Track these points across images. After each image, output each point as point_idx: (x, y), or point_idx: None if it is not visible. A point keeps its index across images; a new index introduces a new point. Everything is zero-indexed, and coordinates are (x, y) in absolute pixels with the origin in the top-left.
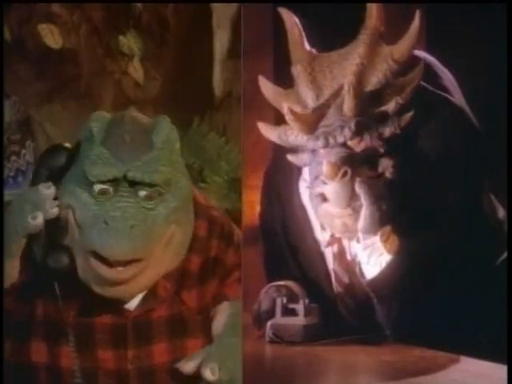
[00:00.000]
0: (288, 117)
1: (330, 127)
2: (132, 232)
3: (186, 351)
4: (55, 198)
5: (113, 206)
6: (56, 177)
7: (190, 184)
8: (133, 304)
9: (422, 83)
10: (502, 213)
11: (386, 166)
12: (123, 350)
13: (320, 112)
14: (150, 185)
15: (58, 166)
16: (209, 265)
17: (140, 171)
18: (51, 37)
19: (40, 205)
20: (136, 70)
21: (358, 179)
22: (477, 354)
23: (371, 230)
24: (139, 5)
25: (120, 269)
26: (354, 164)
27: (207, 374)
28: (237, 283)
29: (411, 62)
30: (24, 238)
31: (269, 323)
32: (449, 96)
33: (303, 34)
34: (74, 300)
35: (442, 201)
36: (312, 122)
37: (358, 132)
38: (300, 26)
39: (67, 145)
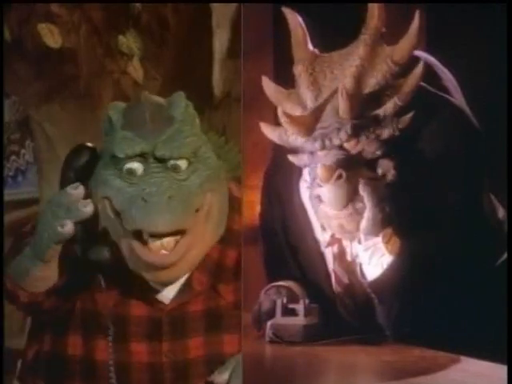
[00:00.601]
0: (283, 120)
1: (326, 129)
2: (171, 203)
3: (222, 346)
4: (86, 197)
5: (146, 183)
6: (82, 177)
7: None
8: (168, 296)
9: (422, 84)
10: (501, 213)
11: (386, 168)
12: (158, 342)
13: (316, 114)
14: (179, 158)
15: (82, 166)
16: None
17: (167, 147)
18: (51, 36)
19: (72, 206)
20: (135, 70)
21: (361, 181)
22: (477, 354)
23: (374, 231)
24: (139, 5)
25: (166, 253)
26: (351, 166)
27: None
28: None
29: (411, 63)
30: (56, 243)
31: (269, 323)
32: (449, 96)
33: (307, 33)
34: (111, 293)
35: (442, 201)
36: (308, 125)
37: (355, 134)
38: (304, 26)
39: (89, 144)
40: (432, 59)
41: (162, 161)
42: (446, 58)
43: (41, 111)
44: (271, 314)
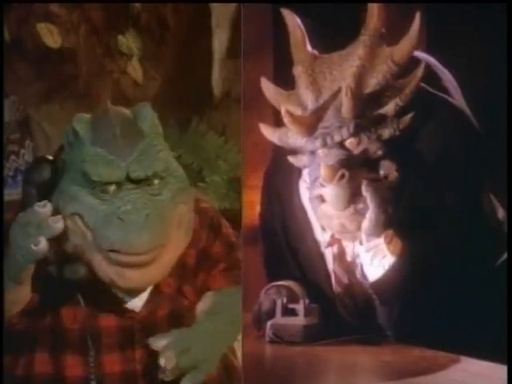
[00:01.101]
0: (286, 119)
1: (328, 129)
2: (148, 220)
3: None
4: (54, 213)
5: (121, 200)
6: (45, 192)
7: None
8: (138, 304)
9: (422, 84)
10: (501, 213)
11: (388, 169)
12: (131, 351)
13: (318, 114)
14: (152, 176)
15: (44, 181)
16: (199, 257)
17: (141, 167)
18: (50, 36)
19: (42, 224)
20: (135, 70)
21: (364, 182)
22: (477, 354)
23: (376, 232)
24: (138, 5)
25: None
26: (352, 166)
27: (162, 362)
28: (221, 274)
29: (411, 63)
30: (32, 264)
31: (269, 323)
32: (449, 97)
33: (305, 34)
34: (79, 309)
35: (442, 202)
36: (310, 124)
37: (356, 133)
38: (302, 27)
39: (49, 157)
40: (432, 60)
41: (136, 181)
42: (446, 58)
43: (40, 111)
44: (271, 313)
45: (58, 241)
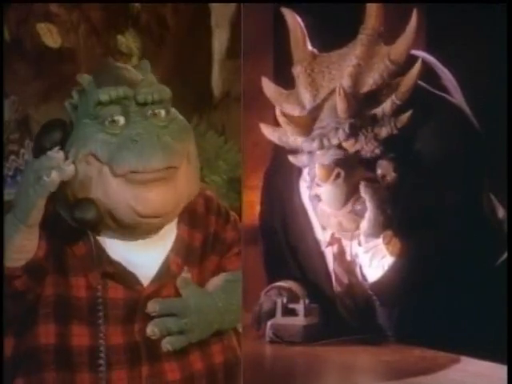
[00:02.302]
0: (281, 119)
1: (325, 129)
2: (160, 140)
3: None
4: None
5: (132, 128)
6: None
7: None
8: (147, 277)
9: (422, 83)
10: (501, 213)
11: (385, 169)
12: (132, 324)
13: (314, 114)
14: (159, 102)
15: (56, 140)
16: (209, 241)
17: (148, 92)
18: (50, 36)
19: (55, 167)
20: None
21: (362, 183)
22: (477, 354)
23: (375, 233)
24: (138, 4)
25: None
26: (349, 165)
27: (149, 331)
28: (235, 257)
29: (408, 62)
30: (43, 199)
31: (269, 323)
32: (448, 96)
33: (306, 34)
34: (86, 277)
35: (442, 202)
36: (306, 125)
37: (353, 133)
38: (302, 26)
39: (60, 118)
40: (432, 59)
41: (143, 105)
42: (446, 57)
43: (40, 111)
44: (271, 315)
45: (69, 186)
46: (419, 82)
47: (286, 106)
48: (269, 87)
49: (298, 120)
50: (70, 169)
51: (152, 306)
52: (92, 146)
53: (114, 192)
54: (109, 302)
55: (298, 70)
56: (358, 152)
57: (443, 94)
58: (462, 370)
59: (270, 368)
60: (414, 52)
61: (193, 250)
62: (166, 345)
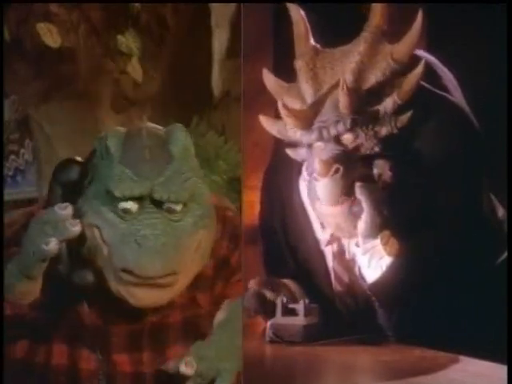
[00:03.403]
0: (282, 112)
1: (325, 123)
2: (164, 248)
3: None
4: (75, 216)
5: (141, 223)
6: (71, 193)
7: (208, 188)
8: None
9: (422, 83)
10: (501, 212)
11: (381, 168)
12: (139, 353)
13: (315, 108)
14: (175, 202)
15: (71, 181)
16: (219, 266)
17: (165, 190)
18: (50, 36)
19: (60, 225)
20: (135, 70)
21: (357, 184)
22: (477, 354)
23: (372, 233)
24: (138, 4)
25: (154, 294)
26: (347, 162)
27: (183, 368)
28: (238, 284)
29: (412, 61)
30: (41, 262)
31: (269, 323)
32: (448, 96)
33: (309, 28)
34: (93, 312)
35: (441, 201)
36: (307, 118)
37: (353, 129)
38: (306, 21)
39: (78, 158)
40: (432, 58)
41: (158, 203)
42: (446, 57)
43: (40, 111)
44: (271, 311)
45: (74, 243)
46: (421, 81)
47: (286, 98)
48: (269, 79)
49: (300, 113)
50: (74, 229)
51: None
52: (98, 222)
53: (109, 277)
54: (113, 329)
55: (299, 64)
56: (357, 149)
57: (443, 94)
58: (462, 370)
59: (270, 368)
60: (416, 52)
61: (204, 278)
62: None
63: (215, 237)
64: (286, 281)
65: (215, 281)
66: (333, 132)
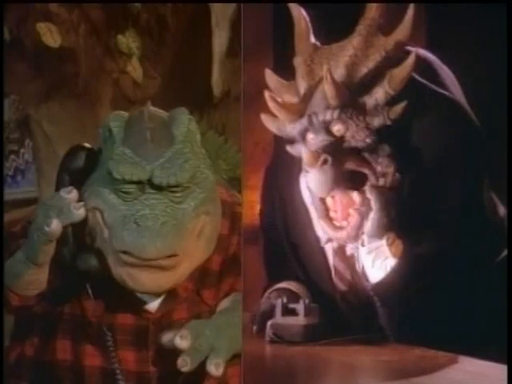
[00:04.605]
0: (270, 104)
1: (315, 113)
2: (163, 229)
3: None
4: (79, 201)
5: (141, 204)
6: (78, 179)
7: (213, 175)
8: (154, 305)
9: (422, 80)
10: (502, 210)
11: (387, 168)
12: (145, 351)
13: (305, 100)
14: (175, 186)
15: (78, 168)
16: (227, 262)
17: (165, 174)
18: (50, 35)
19: (64, 209)
20: (135, 69)
21: (368, 184)
22: (477, 354)
23: (378, 234)
24: (138, 4)
25: (156, 277)
26: (337, 152)
27: (177, 341)
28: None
29: (403, 53)
30: (48, 245)
31: (269, 323)
32: (448, 94)
33: (310, 27)
34: (98, 302)
35: (442, 201)
36: (297, 110)
37: (343, 119)
38: (307, 20)
39: (87, 145)
40: (432, 57)
41: (159, 187)
42: (446, 57)
43: (40, 110)
44: (268, 316)
45: (78, 228)
46: (419, 78)
47: (285, 96)
48: (271, 78)
49: (290, 106)
50: (78, 213)
51: (168, 335)
52: (100, 204)
53: (110, 260)
54: (118, 327)
55: (298, 61)
56: (348, 140)
57: (443, 91)
58: (462, 370)
59: (271, 368)
60: (412, 48)
61: (210, 273)
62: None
63: (224, 231)
64: (289, 283)
65: (222, 277)
66: (321, 118)
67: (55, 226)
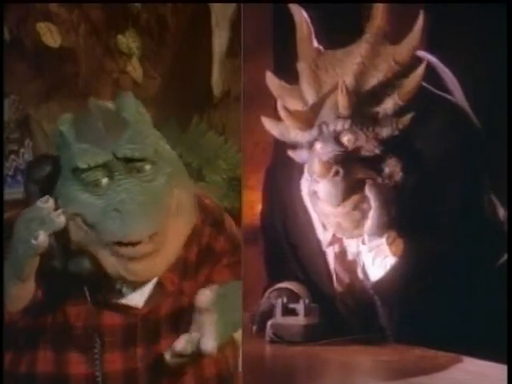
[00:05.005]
0: (282, 113)
1: (325, 121)
2: (144, 208)
3: None
4: (56, 208)
5: (115, 192)
6: (47, 188)
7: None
8: (141, 300)
9: (424, 84)
10: (502, 213)
11: (393, 168)
12: (133, 348)
13: (315, 109)
14: (142, 159)
15: (43, 176)
16: (202, 253)
17: (128, 148)
18: (50, 35)
19: (46, 219)
20: (135, 69)
21: (368, 182)
22: (477, 354)
23: (378, 232)
24: (138, 4)
25: (142, 245)
26: (348, 163)
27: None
28: (224, 269)
29: (413, 63)
30: (34, 258)
31: (269, 323)
32: (450, 96)
33: (312, 30)
34: (82, 306)
35: (443, 202)
36: (307, 119)
37: (353, 130)
38: (309, 23)
39: (49, 153)
40: (433, 59)
41: (126, 162)
42: (447, 57)
43: (40, 110)
44: (268, 317)
45: (61, 235)
46: (424, 83)
47: (288, 100)
48: (272, 81)
49: (300, 114)
50: (60, 221)
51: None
52: (78, 208)
53: (103, 258)
54: (105, 329)
55: (302, 66)
56: (357, 150)
57: (445, 95)
58: (462, 370)
59: (270, 368)
60: (422, 55)
61: (189, 264)
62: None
63: (196, 221)
64: (289, 283)
65: (199, 268)
66: (332, 128)
67: (43, 238)
